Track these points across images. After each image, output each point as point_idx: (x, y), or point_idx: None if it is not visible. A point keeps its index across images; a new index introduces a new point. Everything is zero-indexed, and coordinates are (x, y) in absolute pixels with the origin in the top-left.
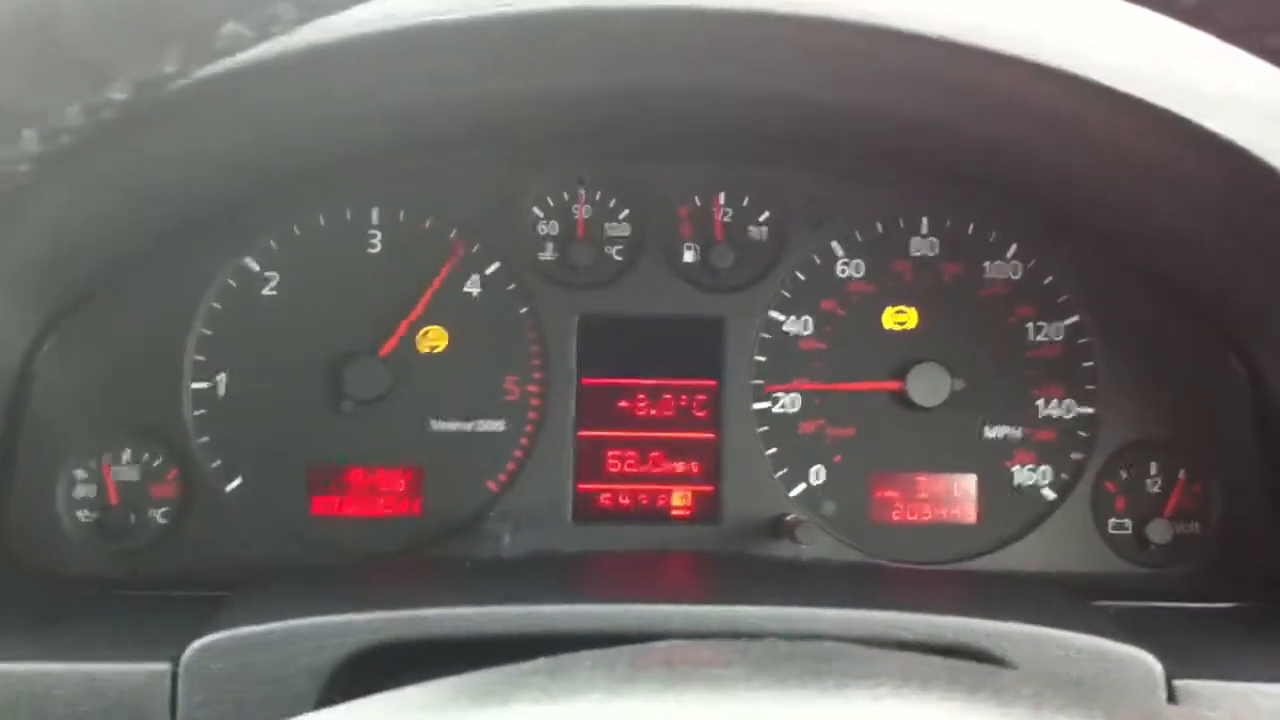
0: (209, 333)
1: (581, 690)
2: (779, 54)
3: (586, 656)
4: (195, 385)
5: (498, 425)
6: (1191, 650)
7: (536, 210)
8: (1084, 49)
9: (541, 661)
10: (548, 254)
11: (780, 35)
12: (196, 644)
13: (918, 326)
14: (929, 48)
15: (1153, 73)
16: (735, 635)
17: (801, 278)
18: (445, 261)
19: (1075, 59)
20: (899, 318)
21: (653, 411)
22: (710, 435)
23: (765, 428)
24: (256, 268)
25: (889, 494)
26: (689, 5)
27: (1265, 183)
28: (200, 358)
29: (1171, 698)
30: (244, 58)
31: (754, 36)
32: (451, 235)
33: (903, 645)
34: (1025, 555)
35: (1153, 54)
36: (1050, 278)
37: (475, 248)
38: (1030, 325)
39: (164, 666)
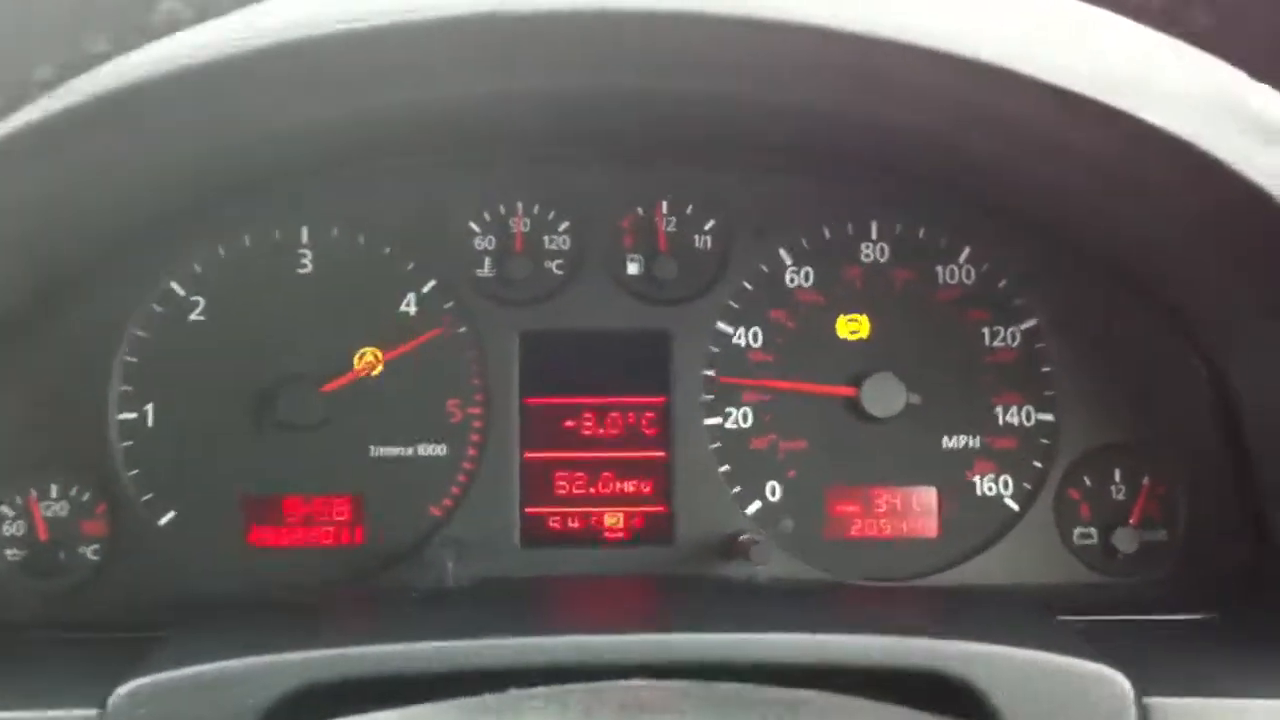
0: (135, 361)
1: None
2: (716, 55)
3: (539, 694)
4: (122, 416)
5: (439, 449)
6: (1161, 667)
7: (472, 224)
8: (1028, 47)
9: (491, 699)
10: (485, 270)
11: (716, 36)
12: (123, 689)
13: (870, 335)
14: (871, 47)
15: (1099, 70)
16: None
17: (749, 288)
18: (379, 280)
19: (1020, 57)
20: (851, 326)
21: (600, 431)
22: (661, 453)
23: (717, 444)
24: (182, 292)
25: (847, 509)
26: (619, 7)
27: (1220, 182)
28: (127, 387)
29: (1143, 717)
30: (158, 67)
31: (688, 38)
32: (385, 253)
33: (862, 671)
34: (989, 568)
35: (1099, 50)
36: (1005, 281)
37: (410, 265)
38: (986, 331)
39: (90, 713)
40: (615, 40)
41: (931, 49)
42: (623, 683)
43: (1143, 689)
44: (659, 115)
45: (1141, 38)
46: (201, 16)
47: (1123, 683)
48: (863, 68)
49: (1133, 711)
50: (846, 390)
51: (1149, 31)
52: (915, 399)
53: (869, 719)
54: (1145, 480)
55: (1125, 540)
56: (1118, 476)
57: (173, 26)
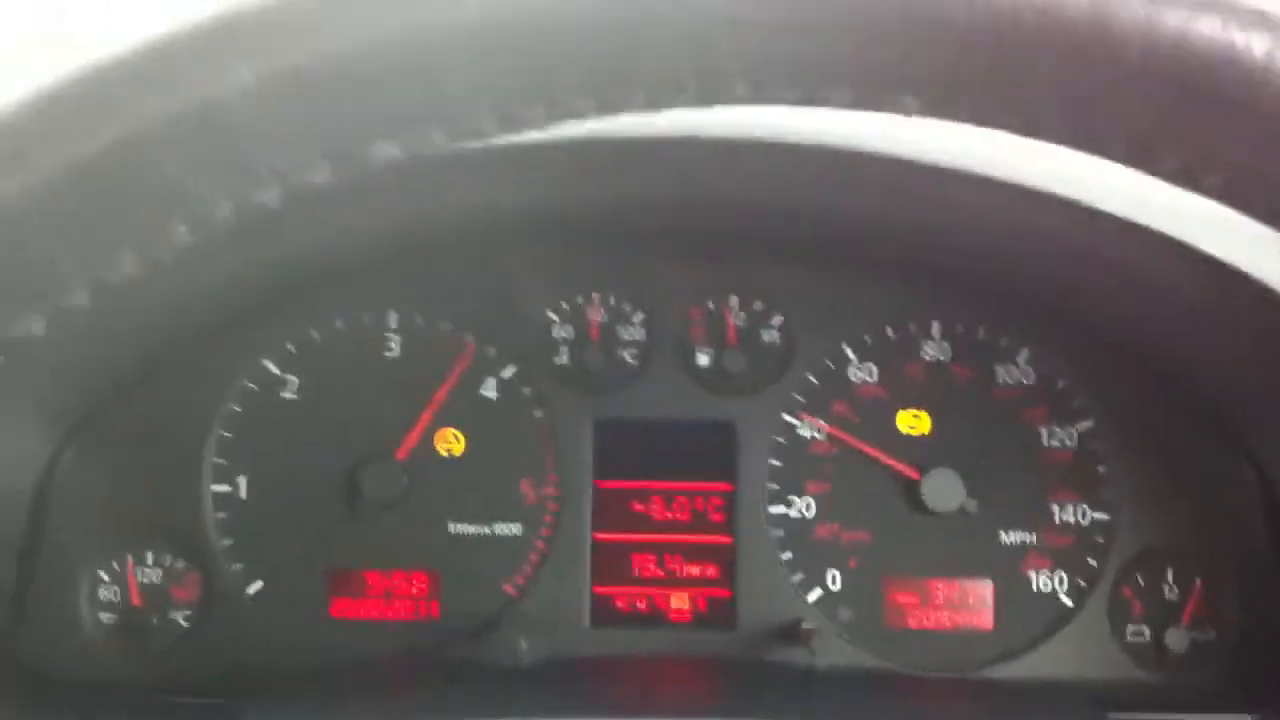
0: (229, 435)
1: None
2: (782, 174)
3: None
4: (216, 488)
5: (514, 528)
6: None
7: (550, 314)
8: (1081, 175)
9: None
10: (562, 358)
11: (781, 161)
12: None
13: (931, 431)
14: (931, 176)
15: (1150, 197)
16: None
17: (814, 381)
18: (461, 364)
19: (1077, 188)
20: (913, 422)
21: (668, 515)
22: (726, 539)
23: (780, 532)
24: (276, 370)
25: (904, 599)
26: (696, 136)
27: (1261, 303)
28: (221, 460)
29: None
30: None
31: (753, 162)
32: (466, 339)
33: None
34: (1043, 662)
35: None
36: (1062, 383)
37: (491, 351)
38: (1043, 430)
39: None
40: (705, 164)
41: (1042, 194)
42: None
43: None
44: (731, 216)
45: None
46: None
47: None
48: (922, 191)
49: None
50: (910, 472)
51: None
52: (972, 506)
53: None
54: (1197, 581)
55: (1177, 640)
56: (1170, 576)
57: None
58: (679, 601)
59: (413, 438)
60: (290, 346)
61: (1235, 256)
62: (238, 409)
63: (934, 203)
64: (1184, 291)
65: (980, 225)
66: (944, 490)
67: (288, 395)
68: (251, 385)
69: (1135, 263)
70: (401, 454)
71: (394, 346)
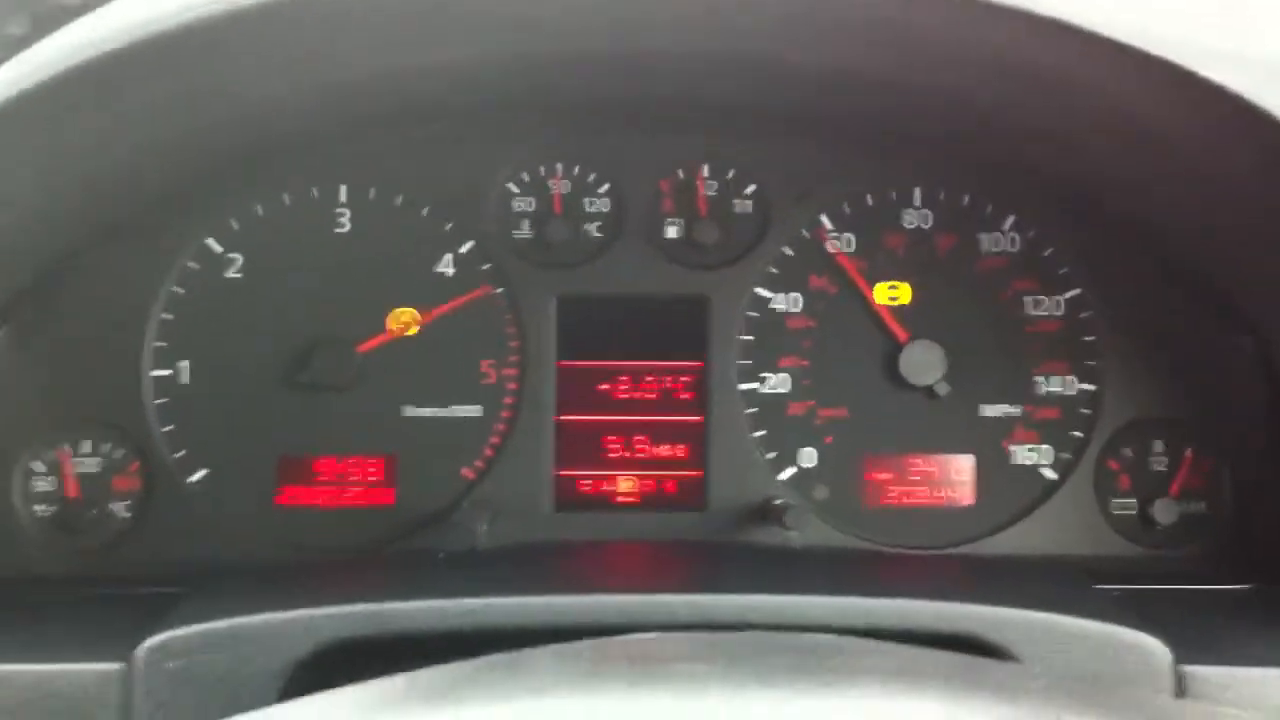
0: (170, 318)
1: (540, 689)
2: (758, 17)
3: (547, 652)
4: (156, 373)
5: (473, 410)
6: (1199, 635)
7: (511, 186)
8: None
9: (500, 657)
10: (523, 232)
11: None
12: (149, 642)
13: (911, 302)
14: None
15: (1149, 24)
16: (718, 626)
17: (789, 253)
18: (418, 239)
19: (1069, 8)
20: (892, 294)
21: (635, 394)
22: (696, 418)
23: (753, 409)
24: (219, 249)
25: (882, 477)
26: None
27: (1272, 142)
28: (161, 344)
29: (1180, 684)
30: (196, 24)
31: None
32: (423, 213)
33: (897, 634)
34: (1025, 538)
35: (1150, 6)
36: (1049, 250)
37: (448, 225)
38: (1029, 299)
39: (116, 666)
40: (679, 4)
41: (1027, 12)
42: (633, 636)
43: (1180, 656)
44: (700, 79)
45: None
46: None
47: (1160, 649)
48: (908, 25)
49: (1170, 678)
50: (900, 333)
51: None
52: (943, 389)
53: (893, 661)
54: (1187, 453)
55: (1164, 512)
56: (1159, 448)
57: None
58: (647, 483)
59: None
60: (234, 223)
61: (1245, 89)
62: (179, 290)
63: (914, 40)
64: (1181, 134)
65: (965, 64)
66: (923, 363)
67: (232, 275)
68: (193, 264)
69: (1126, 98)
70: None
71: (345, 222)
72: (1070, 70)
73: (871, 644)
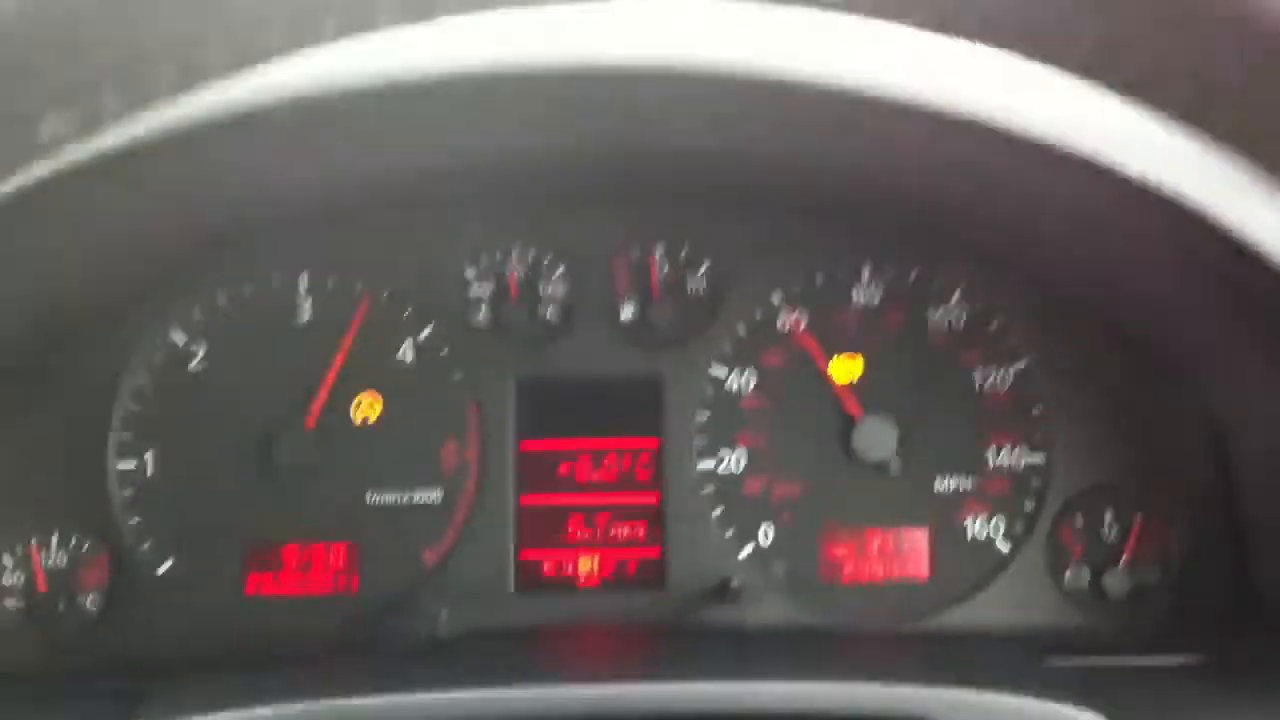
0: (135, 409)
1: None
2: (705, 110)
3: None
4: (122, 465)
5: (434, 495)
6: (1146, 711)
7: (468, 271)
8: (1005, 102)
9: None
10: (481, 316)
11: (702, 93)
12: None
13: (863, 377)
14: (852, 103)
15: (1071, 119)
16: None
17: (742, 332)
18: (374, 324)
19: (998, 111)
20: (845, 368)
21: (595, 475)
22: (654, 498)
23: (710, 488)
24: (182, 340)
25: (839, 552)
26: (611, 65)
27: (1196, 228)
28: (126, 435)
29: None
30: (153, 126)
31: (673, 94)
32: (381, 299)
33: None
34: (980, 611)
35: (1070, 101)
36: (996, 323)
37: (407, 312)
38: (978, 371)
39: None
40: (607, 97)
41: (904, 103)
42: None
43: None
44: (650, 163)
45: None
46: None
47: None
48: (847, 122)
49: None
50: (853, 409)
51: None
52: (895, 466)
53: None
54: (1137, 519)
55: (1116, 583)
56: (1109, 516)
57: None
58: (607, 564)
59: (318, 404)
60: (197, 314)
61: (1166, 180)
62: (143, 382)
63: (857, 133)
64: (1118, 221)
65: (906, 156)
66: (876, 438)
67: (195, 366)
68: (157, 356)
69: (1064, 190)
70: (310, 421)
71: (305, 310)
72: (990, 164)
73: None
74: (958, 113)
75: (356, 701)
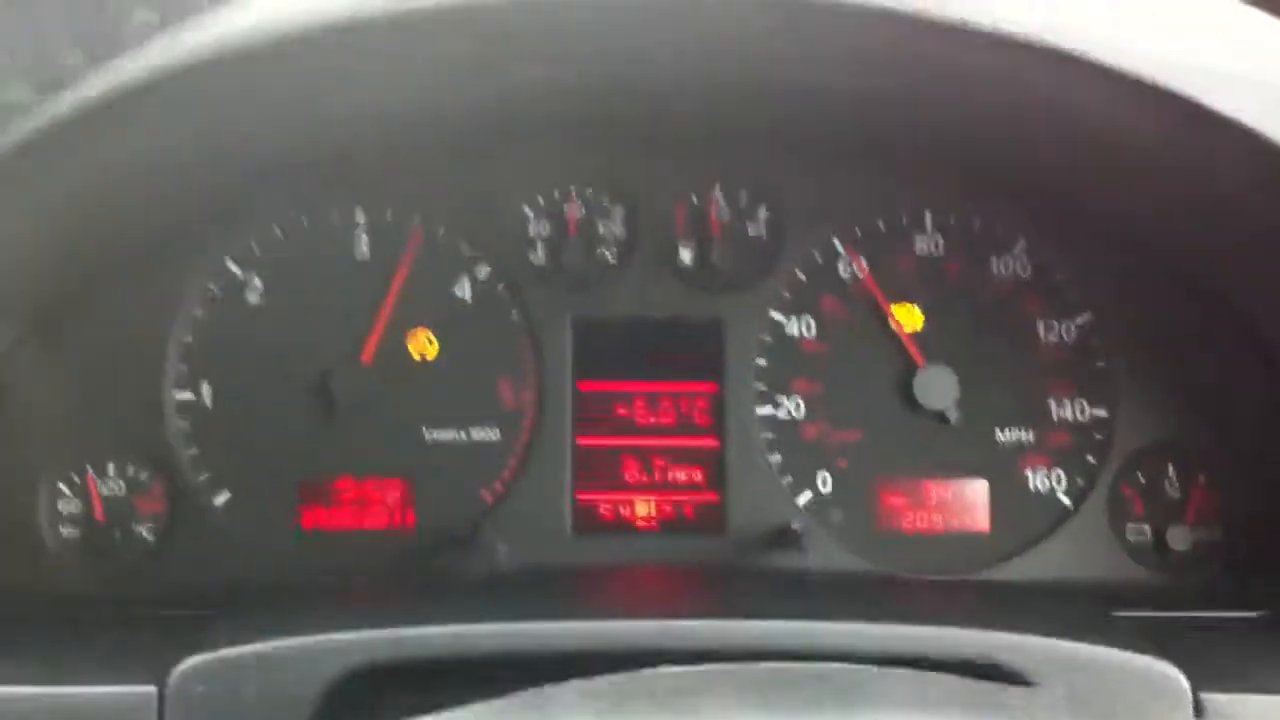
0: (191, 341)
1: None
2: (775, 42)
3: (570, 689)
4: (179, 396)
5: (492, 433)
6: (1217, 662)
7: (526, 209)
8: (1085, 29)
9: (524, 695)
10: (539, 256)
11: (769, 22)
12: (183, 666)
13: (924, 327)
14: (931, 32)
15: (1154, 52)
16: (737, 653)
17: (802, 277)
18: (431, 261)
19: (1075, 39)
20: (905, 317)
21: (652, 418)
22: (712, 442)
23: (769, 434)
24: (239, 273)
25: (897, 501)
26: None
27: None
28: (183, 367)
29: (1199, 713)
30: (209, 49)
31: (747, 24)
32: (439, 236)
33: (914, 660)
34: (1040, 564)
35: (1154, 32)
36: (1060, 275)
37: (465, 249)
38: (1041, 324)
39: (149, 689)
40: (669, 28)
41: (987, 31)
42: (653, 670)
43: (1199, 684)
44: (714, 103)
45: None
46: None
47: (1179, 678)
48: (919, 54)
49: (1189, 707)
50: (917, 358)
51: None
52: (954, 415)
53: (910, 688)
54: (1200, 478)
55: (1179, 538)
56: (1172, 473)
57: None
58: (665, 507)
59: (374, 339)
60: (254, 246)
61: (1249, 117)
62: (200, 313)
63: (926, 67)
64: (1190, 165)
65: (976, 94)
66: (938, 387)
67: (252, 298)
68: (214, 288)
69: (1131, 128)
70: (367, 357)
71: (362, 245)
72: (1075, 101)
73: (890, 672)
74: (1034, 43)
75: (415, 631)
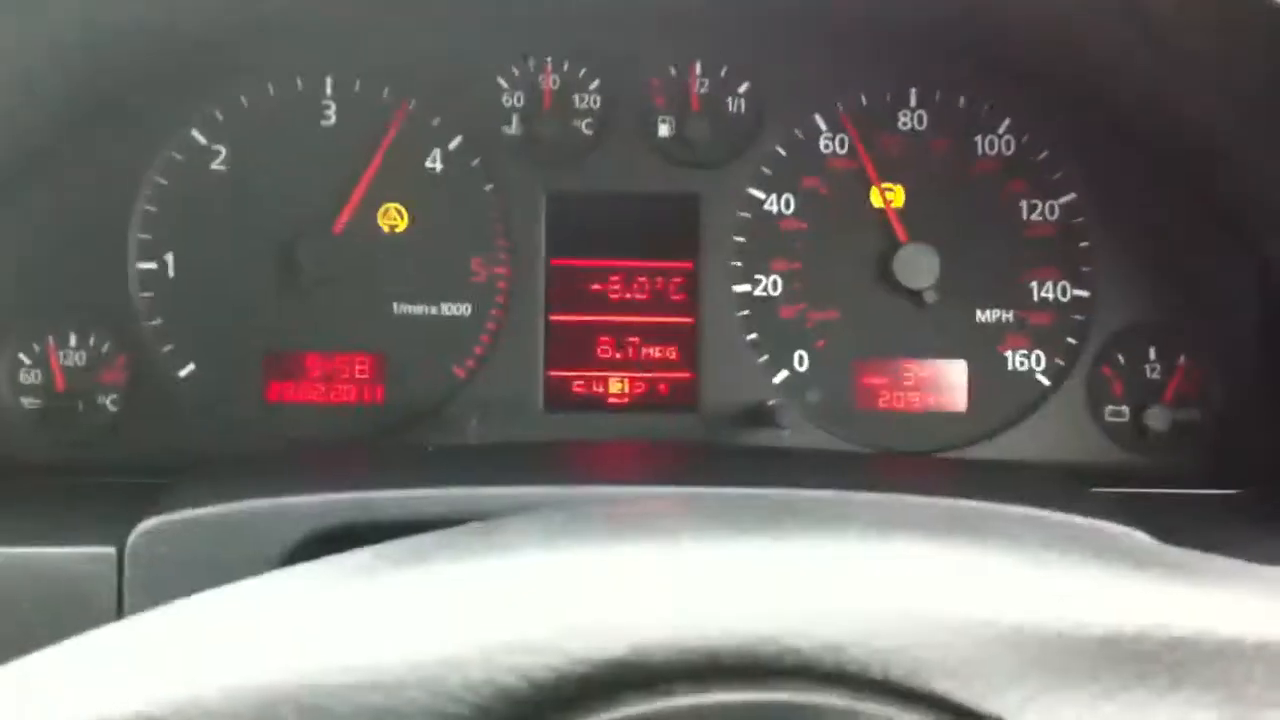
0: (155, 210)
1: (514, 547)
2: None
3: (523, 516)
4: (142, 265)
5: (463, 309)
6: (1189, 534)
7: (500, 80)
8: None
9: (475, 525)
10: (512, 127)
11: None
12: (142, 527)
13: (905, 205)
14: None
15: None
16: None
17: (782, 154)
18: (403, 132)
19: None
20: (887, 196)
21: (627, 295)
22: (688, 319)
23: (745, 312)
24: (203, 140)
25: (875, 381)
26: None
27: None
28: (146, 236)
29: None
30: None
31: None
32: (410, 106)
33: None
34: (1018, 443)
35: None
36: (1045, 154)
37: (436, 120)
38: (1023, 204)
39: (109, 550)
40: None
41: None
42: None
43: None
44: None
45: None
46: None
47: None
48: None
49: None
50: (900, 234)
51: None
52: (932, 296)
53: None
54: (1180, 360)
55: (1157, 418)
56: (1152, 355)
57: None
58: (639, 384)
59: (347, 211)
60: (218, 114)
61: None
62: (163, 181)
63: None
64: (1182, 30)
65: None
66: (918, 265)
67: (217, 166)
68: (177, 156)
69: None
70: (338, 228)
71: (330, 114)
72: None
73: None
74: None
75: (382, 494)
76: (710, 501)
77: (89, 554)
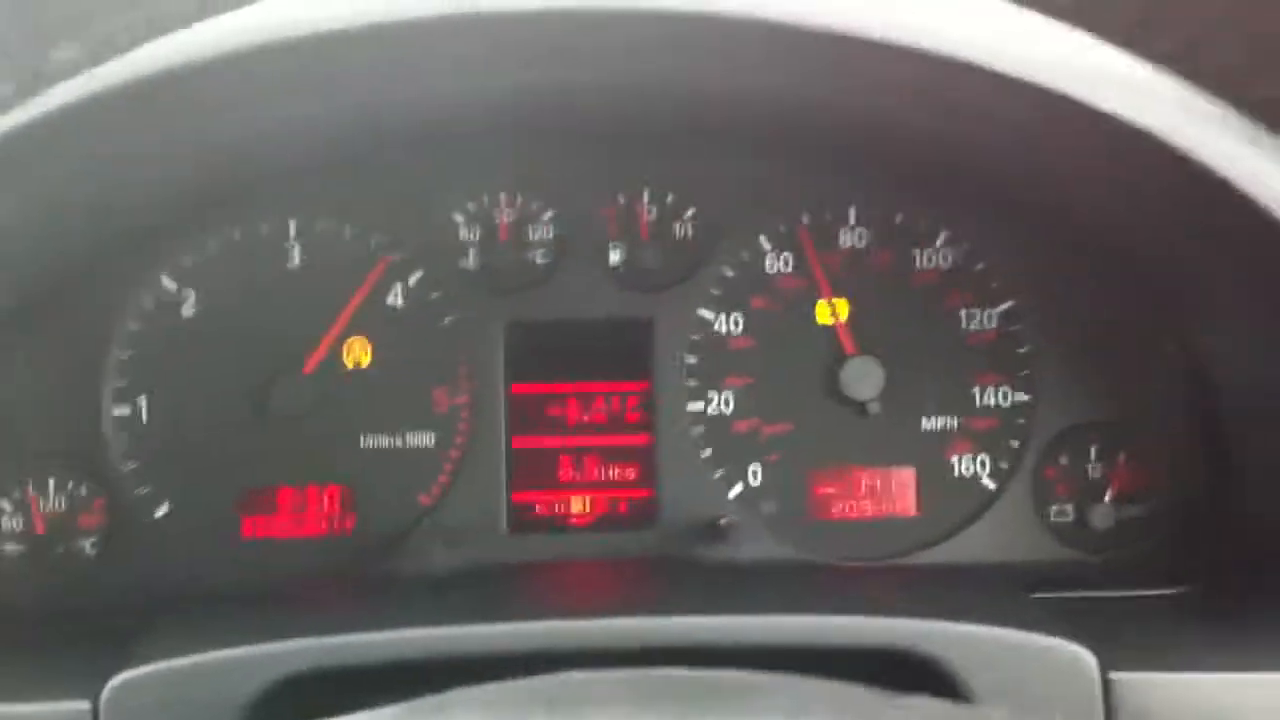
0: (128, 355)
1: None
2: (692, 51)
3: (470, 694)
4: (117, 411)
5: (427, 438)
6: (1131, 642)
7: (456, 216)
8: (989, 41)
9: (425, 701)
10: (470, 261)
11: (691, 34)
12: (116, 680)
13: (851, 319)
14: (841, 44)
15: (1049, 57)
16: (662, 650)
17: (730, 275)
18: (368, 272)
19: (982, 51)
20: (832, 311)
21: (585, 417)
22: (644, 439)
23: (700, 429)
24: (173, 286)
25: (828, 490)
26: (604, 8)
27: (1178, 168)
28: (120, 382)
29: (1107, 691)
30: (139, 71)
31: (668, 36)
32: (371, 245)
33: (836, 649)
34: (968, 547)
35: (1048, 39)
36: (982, 264)
37: (396, 257)
38: (964, 313)
39: (83, 705)
40: (590, 37)
41: (895, 44)
42: (556, 676)
43: (1108, 664)
44: (637, 106)
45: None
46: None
47: (1088, 658)
48: (833, 61)
49: (1098, 686)
50: (849, 347)
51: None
52: (875, 408)
53: (796, 698)
54: (1121, 457)
55: (1101, 517)
56: (1094, 454)
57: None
58: (599, 504)
59: (320, 351)
60: (186, 260)
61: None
62: (135, 328)
63: (841, 74)
64: (1101, 161)
65: (894, 98)
66: (864, 378)
67: (187, 311)
68: (148, 302)
69: (1049, 131)
70: (308, 368)
71: (295, 256)
72: (987, 102)
73: (780, 679)
74: (948, 56)
75: (354, 638)
76: (646, 687)
77: (63, 710)
